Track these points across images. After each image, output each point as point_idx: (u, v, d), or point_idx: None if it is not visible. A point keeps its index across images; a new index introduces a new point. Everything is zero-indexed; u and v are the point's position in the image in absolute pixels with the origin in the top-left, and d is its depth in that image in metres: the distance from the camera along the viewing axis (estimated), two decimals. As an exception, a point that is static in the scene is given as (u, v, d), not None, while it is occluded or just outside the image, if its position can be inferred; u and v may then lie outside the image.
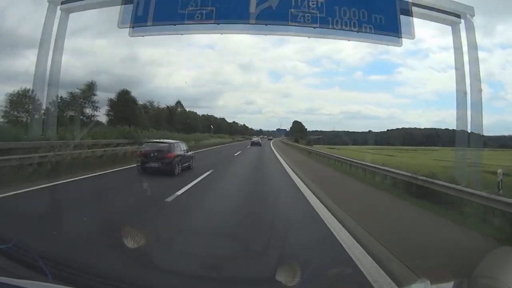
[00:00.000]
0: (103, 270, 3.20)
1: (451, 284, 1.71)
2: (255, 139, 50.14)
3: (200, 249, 4.62)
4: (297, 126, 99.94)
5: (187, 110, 75.77)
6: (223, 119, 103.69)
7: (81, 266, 3.00)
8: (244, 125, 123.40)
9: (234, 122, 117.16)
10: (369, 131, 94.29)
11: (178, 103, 71.68)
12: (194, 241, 5.12)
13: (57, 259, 2.76)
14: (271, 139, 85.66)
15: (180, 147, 13.90)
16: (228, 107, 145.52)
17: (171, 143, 13.52)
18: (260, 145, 43.21)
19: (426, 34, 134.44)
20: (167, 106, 66.51)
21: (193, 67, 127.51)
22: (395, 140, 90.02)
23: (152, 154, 12.42)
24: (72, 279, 2.45)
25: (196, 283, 3.53)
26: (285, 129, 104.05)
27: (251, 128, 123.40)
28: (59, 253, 3.68)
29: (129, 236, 4.02)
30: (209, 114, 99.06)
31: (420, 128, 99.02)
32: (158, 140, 14.40)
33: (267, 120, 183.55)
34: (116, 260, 3.80)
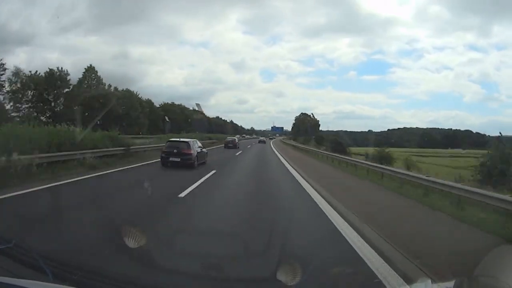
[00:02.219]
0: (105, 269, 3.20)
1: (452, 283, 1.70)
2: (261, 138, 68.40)
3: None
4: (305, 121, 79.39)
5: (121, 89, 47.60)
6: (200, 112, 79.20)
7: (83, 265, 3.00)
8: (232, 121, 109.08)
9: (218, 117, 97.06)
10: (369, 130, 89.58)
11: (90, 70, 41.98)
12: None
13: (58, 259, 2.76)
14: (272, 139, 79.99)
15: (237, 139, 44.34)
16: (220, 106, 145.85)
17: (235, 137, 47.78)
18: (265, 143, 55.96)
19: (421, 34, 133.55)
20: (50, 71, 37.43)
21: (186, 66, 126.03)
22: (404, 141, 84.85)
23: (230, 140, 39.99)
24: (73, 279, 2.45)
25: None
26: (282, 127, 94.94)
27: (241, 126, 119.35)
28: (62, 251, 3.67)
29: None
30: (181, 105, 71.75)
31: (422, 128, 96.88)
32: (231, 136, 50.68)
33: (260, 120, 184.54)
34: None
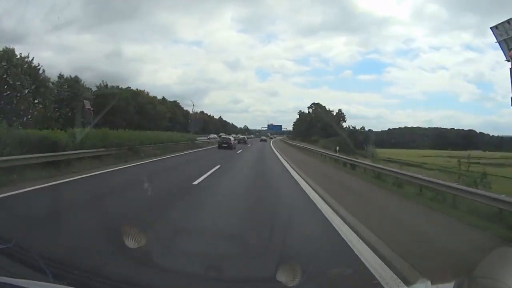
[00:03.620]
0: (105, 269, 3.20)
1: (451, 284, 1.70)
2: (263, 137, 73.19)
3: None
4: (319, 116, 60.64)
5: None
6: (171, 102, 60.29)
7: (83, 265, 3.00)
8: (220, 118, 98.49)
9: (202, 112, 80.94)
10: (370, 130, 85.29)
11: None
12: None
13: (57, 259, 2.76)
14: (272, 139, 76.30)
15: (246, 137, 57.53)
16: (215, 106, 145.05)
17: (246, 136, 64.72)
18: (266, 141, 61.42)
19: (418, 33, 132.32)
20: None
21: (179, 65, 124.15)
22: (409, 142, 78.31)
23: (242, 138, 49.51)
24: (73, 279, 2.45)
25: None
26: (280, 126, 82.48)
27: (232, 124, 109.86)
28: (61, 252, 3.67)
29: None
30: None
31: (424, 128, 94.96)
32: (243, 135, 65.73)
33: (254, 119, 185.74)
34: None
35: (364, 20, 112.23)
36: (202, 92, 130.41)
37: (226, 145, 31.22)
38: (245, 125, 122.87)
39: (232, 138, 35.50)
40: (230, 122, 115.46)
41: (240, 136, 58.19)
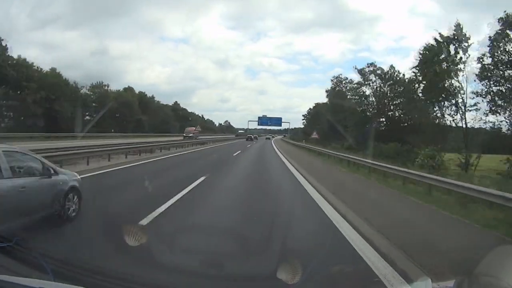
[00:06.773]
0: (106, 268, 3.19)
1: (452, 282, 1.70)
2: (267, 136, 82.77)
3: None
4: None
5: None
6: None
7: (83, 263, 3.00)
8: (176, 104, 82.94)
9: (157, 101, 64.93)
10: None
11: None
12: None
13: (58, 257, 2.76)
14: (270, 138, 75.46)
15: (257, 136, 79.15)
16: (203, 105, 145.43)
17: (255, 134, 74.98)
18: (270, 139, 72.48)
19: (410, 30, 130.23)
20: None
21: (167, 63, 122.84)
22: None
23: (254, 136, 69.91)
24: (74, 277, 2.45)
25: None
26: (279, 118, 62.84)
27: (202, 116, 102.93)
28: (62, 250, 3.68)
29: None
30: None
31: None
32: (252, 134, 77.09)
33: (243, 118, 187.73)
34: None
35: (356, 16, 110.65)
36: (190, 91, 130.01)
37: (251, 139, 58.12)
38: (226, 120, 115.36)
39: (252, 136, 63.90)
40: (200, 114, 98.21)
41: (254, 134, 74.44)
